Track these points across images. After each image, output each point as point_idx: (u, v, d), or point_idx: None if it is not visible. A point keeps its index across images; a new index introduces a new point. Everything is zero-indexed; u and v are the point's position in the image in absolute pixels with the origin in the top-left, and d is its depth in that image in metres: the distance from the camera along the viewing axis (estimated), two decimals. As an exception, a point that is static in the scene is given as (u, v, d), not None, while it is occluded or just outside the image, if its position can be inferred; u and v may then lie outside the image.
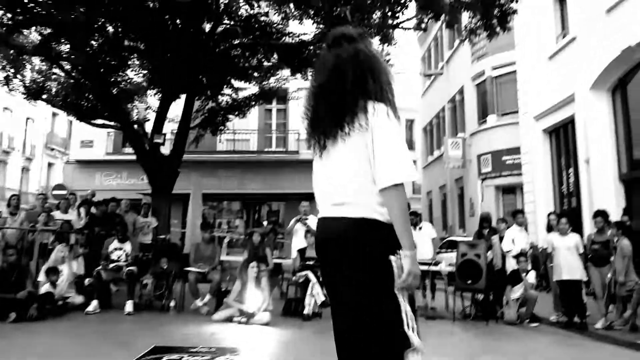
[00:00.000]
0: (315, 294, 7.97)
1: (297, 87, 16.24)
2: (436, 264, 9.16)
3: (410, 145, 32.88)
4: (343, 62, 2.25)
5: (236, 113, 15.33)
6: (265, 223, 18.57)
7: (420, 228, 9.54)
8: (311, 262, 8.56)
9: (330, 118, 2.20)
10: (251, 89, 15.47)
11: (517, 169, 17.63)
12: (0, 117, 31.12)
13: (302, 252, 8.93)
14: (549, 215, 9.72)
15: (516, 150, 17.65)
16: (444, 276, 9.25)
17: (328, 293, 2.33)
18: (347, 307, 2.15)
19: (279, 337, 6.70)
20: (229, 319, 7.55)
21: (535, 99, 15.70)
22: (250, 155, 20.88)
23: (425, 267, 8.31)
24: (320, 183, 2.33)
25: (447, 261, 10.37)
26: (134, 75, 14.69)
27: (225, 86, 14.37)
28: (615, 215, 10.07)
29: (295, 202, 16.48)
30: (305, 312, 7.90)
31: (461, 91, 22.93)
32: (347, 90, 2.18)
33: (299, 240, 9.44)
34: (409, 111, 33.60)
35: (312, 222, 9.53)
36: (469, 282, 8.33)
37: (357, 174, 2.14)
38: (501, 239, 9.00)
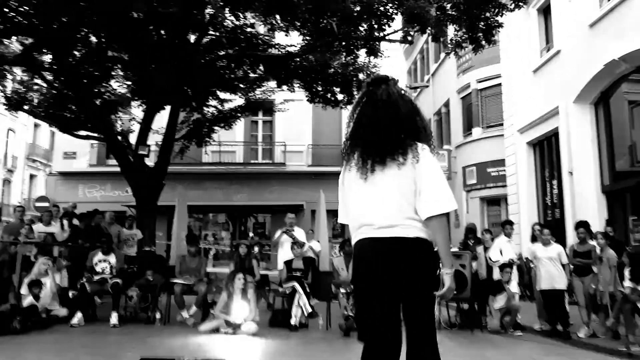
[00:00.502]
0: (302, 305, 7.95)
1: (283, 99, 16.27)
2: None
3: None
4: (395, 98, 2.56)
5: (222, 124, 15.30)
6: (251, 235, 18.50)
7: None
8: (298, 274, 8.55)
9: (388, 148, 2.48)
10: (237, 100, 15.45)
11: (502, 180, 17.77)
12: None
13: (288, 263, 8.89)
14: (533, 225, 9.81)
15: (501, 163, 17.80)
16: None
17: (370, 305, 2.49)
18: (400, 313, 2.47)
19: (266, 347, 6.66)
20: (216, 330, 7.49)
21: (519, 111, 15.88)
22: (236, 167, 20.82)
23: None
24: (365, 205, 2.53)
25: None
26: (118, 86, 14.58)
27: (210, 97, 14.33)
28: (598, 226, 10.18)
29: (281, 214, 16.37)
30: (292, 322, 7.89)
31: (447, 104, 23.12)
32: (401, 125, 2.51)
33: (285, 252, 9.40)
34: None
35: (298, 233, 9.51)
36: (455, 292, 8.35)
37: (407, 200, 2.44)
38: (486, 249, 9.05)
